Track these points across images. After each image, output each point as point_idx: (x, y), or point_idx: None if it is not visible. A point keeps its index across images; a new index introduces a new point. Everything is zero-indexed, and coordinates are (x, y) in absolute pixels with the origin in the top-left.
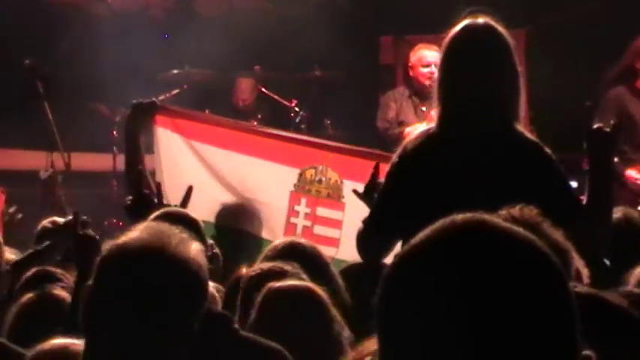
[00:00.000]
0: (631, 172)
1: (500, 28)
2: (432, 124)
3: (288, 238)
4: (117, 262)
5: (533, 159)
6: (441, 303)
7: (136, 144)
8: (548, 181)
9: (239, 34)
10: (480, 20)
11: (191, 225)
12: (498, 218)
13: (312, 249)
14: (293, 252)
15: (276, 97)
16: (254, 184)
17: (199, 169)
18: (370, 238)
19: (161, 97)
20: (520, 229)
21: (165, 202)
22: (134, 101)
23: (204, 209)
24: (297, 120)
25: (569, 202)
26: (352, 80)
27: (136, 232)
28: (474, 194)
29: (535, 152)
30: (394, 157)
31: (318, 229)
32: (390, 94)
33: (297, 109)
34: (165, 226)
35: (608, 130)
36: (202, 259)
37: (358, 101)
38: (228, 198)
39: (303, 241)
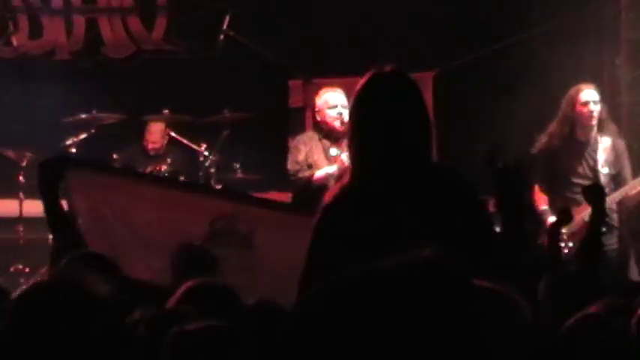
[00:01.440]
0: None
1: (407, 74)
2: (340, 169)
3: (192, 282)
4: (34, 301)
5: (453, 188)
6: None
7: (53, 200)
8: (467, 212)
9: (147, 77)
10: (387, 68)
11: (105, 267)
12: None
13: (220, 288)
14: (198, 294)
15: (185, 141)
16: (169, 237)
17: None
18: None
19: (68, 142)
20: None
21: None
22: (40, 161)
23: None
24: (207, 164)
25: (487, 234)
26: (261, 123)
27: (52, 275)
28: (402, 234)
29: (453, 180)
30: (316, 219)
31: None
32: (299, 137)
33: (206, 153)
34: (79, 269)
35: (515, 167)
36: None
37: (267, 144)
38: (148, 253)
39: (209, 280)
